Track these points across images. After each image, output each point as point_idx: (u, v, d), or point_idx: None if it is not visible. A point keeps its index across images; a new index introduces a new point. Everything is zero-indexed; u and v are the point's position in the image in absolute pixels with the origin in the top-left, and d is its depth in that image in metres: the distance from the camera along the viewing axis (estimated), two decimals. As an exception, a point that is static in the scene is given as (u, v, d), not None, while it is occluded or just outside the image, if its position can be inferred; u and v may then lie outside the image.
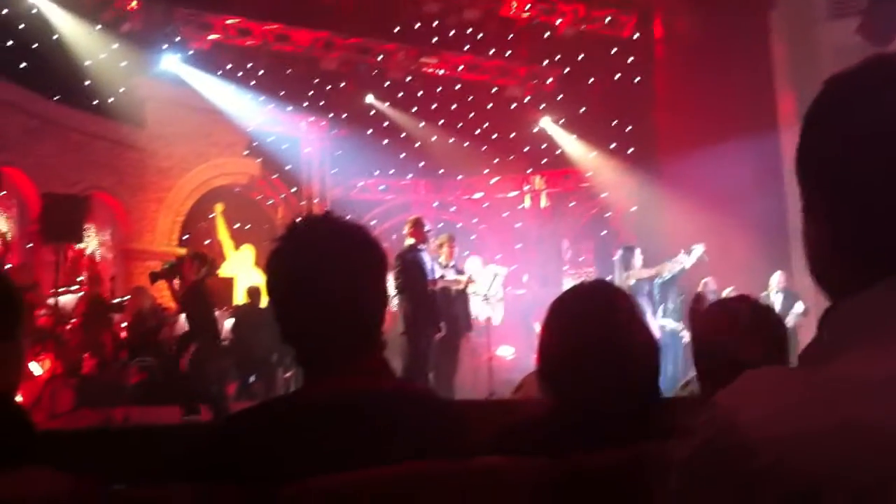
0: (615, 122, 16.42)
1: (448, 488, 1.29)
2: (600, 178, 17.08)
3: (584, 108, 16.90)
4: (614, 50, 16.46)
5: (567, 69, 17.29)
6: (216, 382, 7.88)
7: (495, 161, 17.94)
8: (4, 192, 13.24)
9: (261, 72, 16.38)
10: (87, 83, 14.08)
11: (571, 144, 17.26)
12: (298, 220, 1.65)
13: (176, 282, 7.88)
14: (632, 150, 16.15)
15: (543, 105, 17.60)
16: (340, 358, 1.52)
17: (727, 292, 9.56)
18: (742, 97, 12.32)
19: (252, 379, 10.14)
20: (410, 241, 8.03)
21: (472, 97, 17.70)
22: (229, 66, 16.06)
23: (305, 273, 1.54)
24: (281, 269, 1.58)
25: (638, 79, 16.01)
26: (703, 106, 12.95)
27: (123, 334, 9.43)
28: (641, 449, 1.45)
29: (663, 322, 9.58)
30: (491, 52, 17.32)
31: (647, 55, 15.65)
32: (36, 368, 8.94)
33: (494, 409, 6.45)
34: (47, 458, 1.22)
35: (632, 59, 16.25)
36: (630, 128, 16.20)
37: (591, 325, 1.78)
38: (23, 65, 13.03)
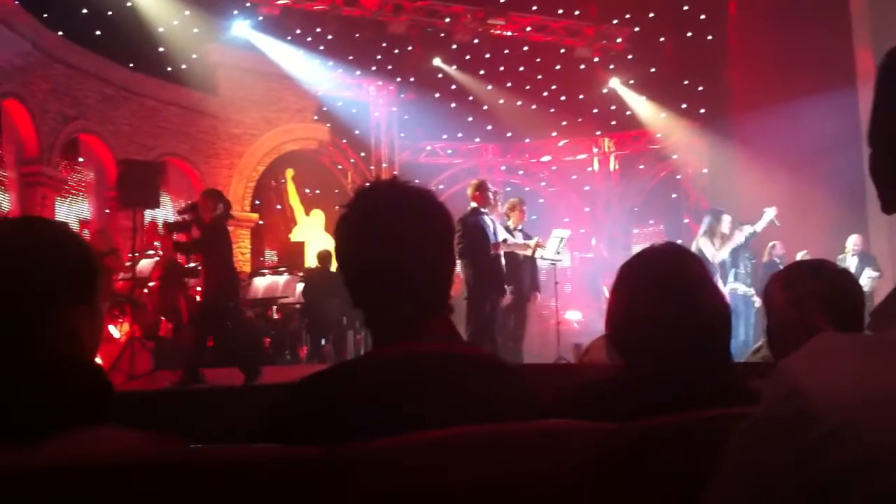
0: (686, 81, 16.09)
1: (514, 451, 1.30)
2: (671, 139, 16.82)
3: (654, 68, 16.59)
4: (686, 7, 16.08)
5: (637, 28, 16.97)
6: (245, 340, 7.79)
7: (563, 123, 17.77)
8: (83, 160, 13.59)
9: (329, 36, 16.42)
10: (160, 50, 14.31)
11: (641, 105, 16.98)
12: (366, 185, 1.66)
13: (194, 231, 7.53)
14: (703, 110, 15.85)
15: (612, 65, 17.33)
16: (408, 321, 1.54)
17: (801, 255, 9.38)
18: (818, 53, 11.90)
19: (323, 342, 10.31)
20: (473, 204, 7.95)
21: (539, 59, 17.50)
22: (298, 31, 16.13)
23: (373, 238, 1.55)
24: (349, 235, 1.60)
25: (710, 36, 15.64)
26: (777, 63, 12.60)
27: (198, 298, 9.62)
28: (711, 414, 1.45)
29: (734, 286, 9.43)
30: (559, 13, 17.07)
31: (719, 11, 15.26)
32: (115, 332, 9.22)
33: (562, 374, 6.44)
34: (126, 418, 1.26)
35: (704, 16, 15.86)
36: (702, 87, 15.87)
37: (662, 289, 1.77)
38: (98, 32, 13.29)
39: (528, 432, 1.35)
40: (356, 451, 1.20)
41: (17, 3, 11.51)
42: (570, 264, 16.64)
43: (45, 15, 12.26)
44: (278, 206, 16.51)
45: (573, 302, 14.25)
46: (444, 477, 1.24)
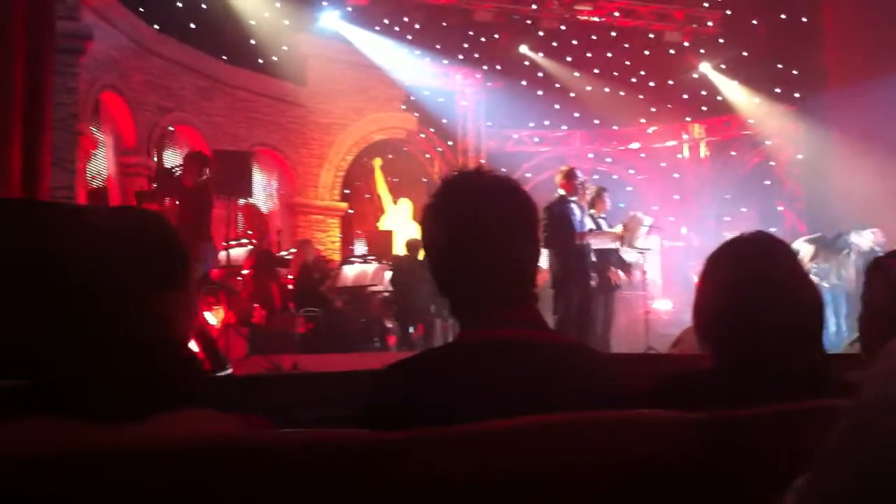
0: (780, 64, 15.65)
1: (598, 439, 1.31)
2: (764, 125, 16.39)
3: (746, 52, 16.18)
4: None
5: (728, 11, 16.56)
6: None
7: (652, 110, 17.49)
8: (179, 151, 13.96)
9: (416, 25, 16.51)
10: (252, 42, 14.60)
11: (733, 90, 16.60)
12: (451, 174, 1.68)
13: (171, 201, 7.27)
14: (798, 94, 15.40)
15: (703, 50, 16.97)
16: (494, 309, 1.55)
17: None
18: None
19: (411, 329, 10.40)
20: (561, 192, 7.86)
21: (627, 44, 17.26)
22: (386, 20, 16.26)
23: (459, 227, 1.57)
24: (434, 224, 1.62)
25: (804, 18, 15.18)
26: (876, 44, 12.15)
27: (290, 286, 9.83)
28: (803, 406, 1.43)
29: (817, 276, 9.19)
30: (648, -3, 16.82)
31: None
32: (211, 318, 9.46)
33: (650, 364, 6.36)
34: (222, 402, 1.31)
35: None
36: (796, 70, 15.41)
37: (752, 279, 1.74)
38: (192, 26, 13.63)
39: (613, 421, 1.35)
40: (441, 437, 1.22)
41: (115, -2, 11.88)
42: (660, 253, 16.41)
43: (141, 9, 12.61)
44: (367, 196, 16.69)
45: (662, 291, 14.07)
46: (527, 464, 1.25)
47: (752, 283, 1.73)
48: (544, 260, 8.02)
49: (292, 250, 11.15)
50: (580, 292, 7.69)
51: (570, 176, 7.89)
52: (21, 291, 1.28)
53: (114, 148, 12.27)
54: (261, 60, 14.89)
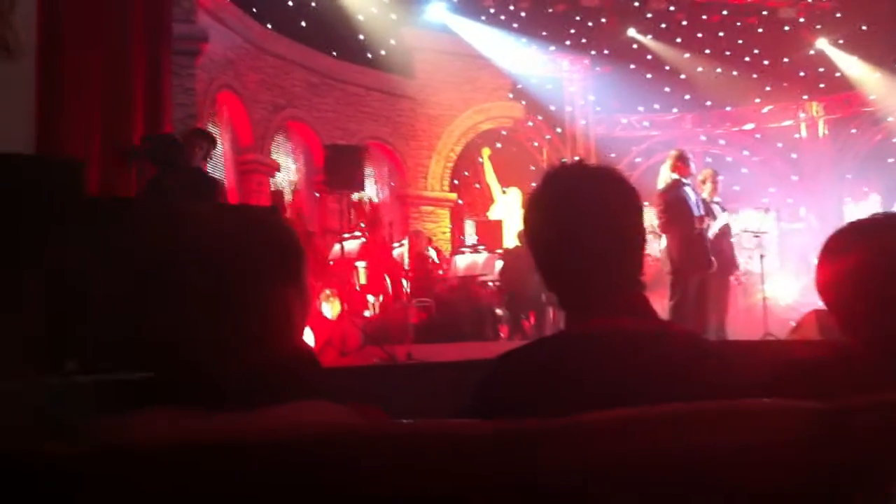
0: (903, 37, 14.98)
1: (714, 429, 1.29)
2: (886, 101, 15.70)
3: (865, 26, 15.52)
4: (902, -42, 14.96)
5: (848, -17, 15.95)
6: None
7: (767, 89, 16.96)
8: (292, 146, 14.29)
9: (522, 13, 16.45)
10: (360, 38, 14.82)
11: (852, 66, 15.96)
12: (552, 167, 1.68)
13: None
14: (923, 67, 14.72)
15: (819, 25, 16.36)
16: (601, 299, 1.55)
17: None
18: None
19: (523, 318, 10.39)
20: (674, 175, 7.67)
21: (739, 23, 16.79)
22: (492, 10, 16.26)
23: (562, 219, 1.58)
24: (537, 217, 1.63)
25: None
26: None
27: (403, 276, 9.94)
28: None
29: None
30: (761, -28, 16.32)
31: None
32: (327, 310, 9.67)
33: (770, 351, 6.19)
34: (337, 391, 1.34)
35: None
36: (921, 43, 14.73)
37: (884, 261, 1.69)
38: (303, 24, 13.93)
39: (730, 410, 1.33)
40: (561, 426, 1.22)
41: (228, -1, 12.23)
42: (777, 235, 15.93)
43: (254, 9, 12.96)
44: (476, 185, 16.74)
45: (781, 275, 13.65)
46: (640, 455, 1.24)
47: (883, 264, 1.67)
48: (654, 246, 7.89)
49: (404, 241, 11.28)
50: (698, 278, 7.52)
51: (681, 158, 7.71)
52: (145, 286, 1.34)
53: (230, 145, 12.65)
54: (369, 55, 15.11)
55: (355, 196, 11.00)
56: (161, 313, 1.30)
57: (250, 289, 1.30)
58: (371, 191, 14.83)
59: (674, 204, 7.43)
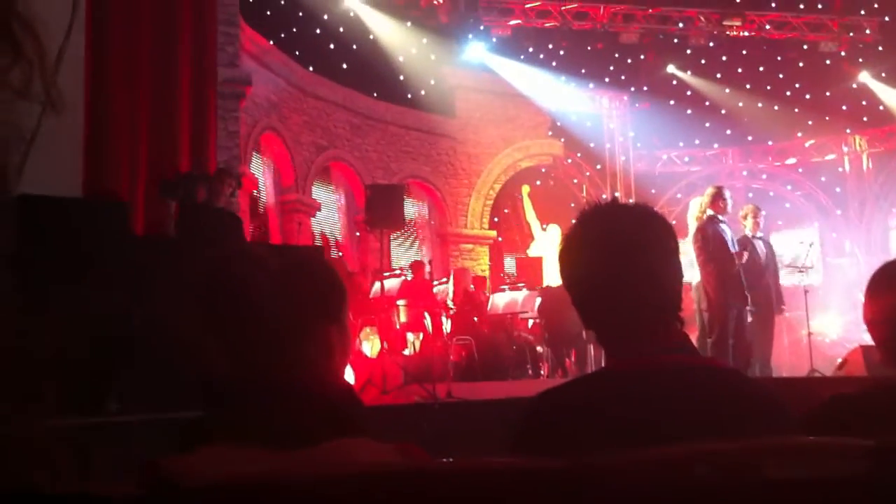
0: (947, 69, 14.83)
1: (760, 467, 1.28)
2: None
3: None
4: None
5: (887, 17, 15.82)
6: None
7: (809, 123, 16.84)
8: (333, 186, 14.44)
9: (561, 52, 16.56)
10: (401, 78, 14.99)
11: (895, 99, 15.80)
12: (587, 207, 1.69)
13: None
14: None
15: (861, 58, 16.25)
16: (641, 336, 1.55)
17: None
18: None
19: (564, 355, 10.34)
20: (710, 212, 7.67)
21: (780, 57, 16.73)
22: (531, 49, 16.39)
23: (598, 257, 1.58)
24: (574, 257, 1.64)
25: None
26: None
27: (444, 314, 9.96)
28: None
29: None
30: (800, 7, 16.25)
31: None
32: (368, 348, 9.69)
33: (815, 388, 6.10)
34: (381, 430, 1.36)
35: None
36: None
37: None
38: (344, 66, 14.14)
39: (775, 448, 1.32)
40: (597, 465, 1.22)
41: (271, 43, 12.45)
42: (822, 270, 15.72)
43: (297, 52, 13.19)
44: (517, 223, 16.76)
45: (826, 311, 13.45)
46: (684, 494, 1.24)
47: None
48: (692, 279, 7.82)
49: (444, 279, 11.31)
50: (737, 314, 7.46)
51: (717, 195, 7.71)
52: (199, 325, 1.37)
53: (273, 185, 12.81)
54: (410, 95, 15.28)
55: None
56: (217, 350, 1.32)
57: (297, 327, 1.32)
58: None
59: (711, 240, 7.41)
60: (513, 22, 15.83)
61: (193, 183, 6.83)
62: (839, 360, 7.38)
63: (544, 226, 15.87)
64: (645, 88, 17.39)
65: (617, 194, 15.80)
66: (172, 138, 8.09)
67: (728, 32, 16.37)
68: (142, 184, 7.67)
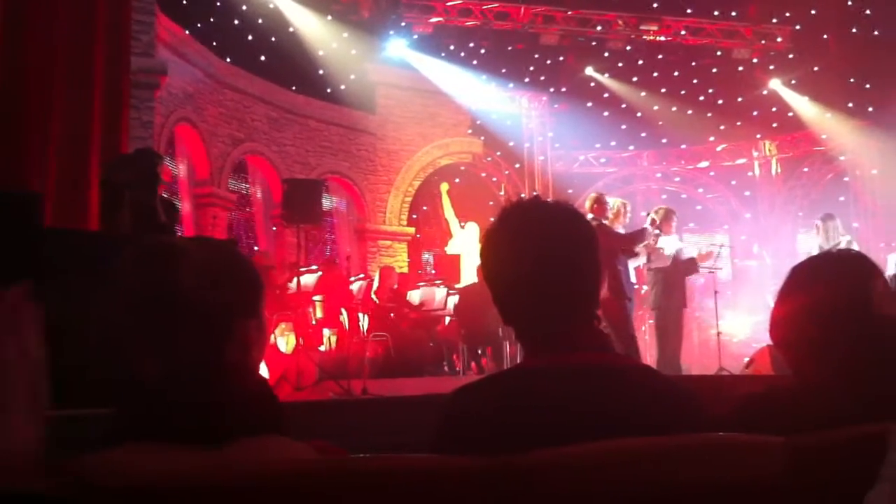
0: (852, 79, 15.35)
1: (672, 464, 1.29)
2: (837, 140, 16.06)
3: (817, 67, 15.90)
4: (850, 2, 15.36)
5: (798, 26, 16.33)
6: None
7: (721, 127, 17.26)
8: (250, 179, 14.25)
9: (482, 51, 16.63)
10: (321, 73, 14.85)
11: (804, 106, 16.32)
12: (510, 204, 1.69)
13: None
14: (872, 108, 15.08)
15: (773, 66, 16.73)
16: (558, 334, 1.55)
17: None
18: None
19: (480, 353, 10.38)
20: (590, 216, 7.86)
21: (695, 62, 17.11)
22: (452, 47, 16.42)
23: (518, 254, 1.58)
24: (495, 253, 1.63)
25: (877, 31, 14.89)
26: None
27: (360, 311, 9.90)
28: (884, 429, 1.39)
29: None
30: (715, 14, 16.65)
31: (888, 4, 14.50)
32: (282, 344, 9.58)
33: (723, 386, 6.25)
34: (293, 426, 1.33)
35: (869, 10, 15.13)
36: (869, 84, 15.10)
37: (843, 297, 1.71)
38: (263, 58, 13.94)
39: (686, 446, 1.34)
40: (512, 463, 1.22)
41: (188, 33, 12.20)
42: (732, 272, 16.14)
43: (215, 43, 12.95)
44: (434, 220, 16.78)
45: (735, 312, 13.81)
46: (598, 492, 1.24)
47: (839, 302, 1.70)
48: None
49: (361, 275, 11.25)
50: (626, 310, 7.68)
51: (598, 201, 7.98)
52: (109, 320, 1.32)
53: (187, 178, 12.57)
54: (329, 90, 15.15)
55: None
56: (128, 346, 1.28)
57: (217, 322, 1.29)
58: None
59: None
60: (434, 19, 15.84)
61: (151, 164, 6.02)
62: (746, 360, 7.59)
63: (463, 223, 15.93)
64: (564, 90, 17.58)
65: (536, 193, 15.94)
66: (84, 127, 7.84)
67: (645, 37, 16.67)
68: (52, 174, 7.42)
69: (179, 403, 1.22)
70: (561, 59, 17.32)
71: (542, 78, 17.48)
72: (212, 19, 13.09)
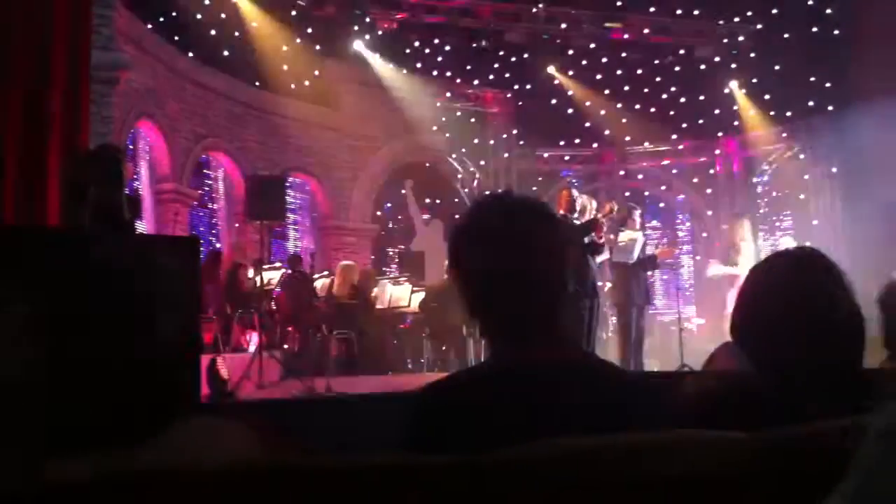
0: (813, 78, 15.55)
1: (635, 461, 1.30)
2: (798, 138, 16.27)
3: (778, 66, 16.08)
4: (811, 1, 15.56)
5: (760, 25, 16.50)
6: None
7: (684, 126, 17.40)
8: (212, 176, 14.12)
9: (447, 48, 16.61)
10: (284, 68, 14.75)
11: (766, 104, 16.50)
12: (480, 198, 1.69)
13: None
14: (832, 107, 15.29)
15: (735, 65, 16.89)
16: (526, 330, 1.56)
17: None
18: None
19: (444, 349, 10.40)
20: (560, 212, 7.89)
21: (658, 61, 17.22)
22: (417, 43, 16.38)
23: (489, 250, 1.58)
24: (465, 247, 1.63)
25: (837, 31, 15.09)
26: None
27: (324, 308, 9.86)
28: (845, 423, 1.41)
29: None
30: (678, 13, 16.77)
31: (847, 3, 14.70)
32: (245, 342, 9.52)
33: (685, 382, 6.30)
34: (256, 424, 1.31)
35: (830, 10, 15.33)
36: (829, 83, 15.30)
37: (794, 295, 1.73)
38: (225, 53, 13.81)
39: (651, 442, 1.34)
40: (480, 460, 1.21)
41: (149, 27, 12.06)
42: (693, 269, 16.31)
43: (177, 38, 12.82)
44: (399, 217, 16.75)
45: (696, 308, 13.96)
46: (563, 487, 1.24)
47: (794, 298, 1.72)
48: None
49: (325, 272, 11.20)
50: (585, 309, 7.69)
51: (567, 197, 8.01)
52: (57, 315, 1.29)
53: (148, 175, 12.43)
54: (293, 86, 15.04)
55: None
56: (72, 345, 1.26)
57: (146, 319, 1.27)
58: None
59: None
60: (399, 16, 15.80)
61: (115, 161, 5.81)
62: (708, 356, 7.65)
63: (427, 220, 15.94)
64: (528, 87, 17.61)
65: (506, 189, 15.97)
66: (43, 123, 7.73)
67: (609, 35, 16.75)
68: (10, 171, 7.29)
69: (101, 400, 1.21)
70: (526, 56, 17.34)
71: (507, 75, 17.50)
72: (174, 14, 12.93)
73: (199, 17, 13.41)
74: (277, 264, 10.67)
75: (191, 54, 13.18)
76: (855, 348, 1.74)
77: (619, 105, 17.38)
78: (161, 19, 12.52)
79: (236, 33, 13.94)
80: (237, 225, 13.78)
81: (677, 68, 17.20)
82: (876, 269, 11.47)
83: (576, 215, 7.96)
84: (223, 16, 13.90)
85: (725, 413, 1.63)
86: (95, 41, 9.01)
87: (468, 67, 16.86)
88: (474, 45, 16.54)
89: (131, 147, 11.90)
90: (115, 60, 9.92)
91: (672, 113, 17.13)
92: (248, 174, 11.45)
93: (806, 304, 1.71)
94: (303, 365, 8.22)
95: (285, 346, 9.94)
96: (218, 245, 13.51)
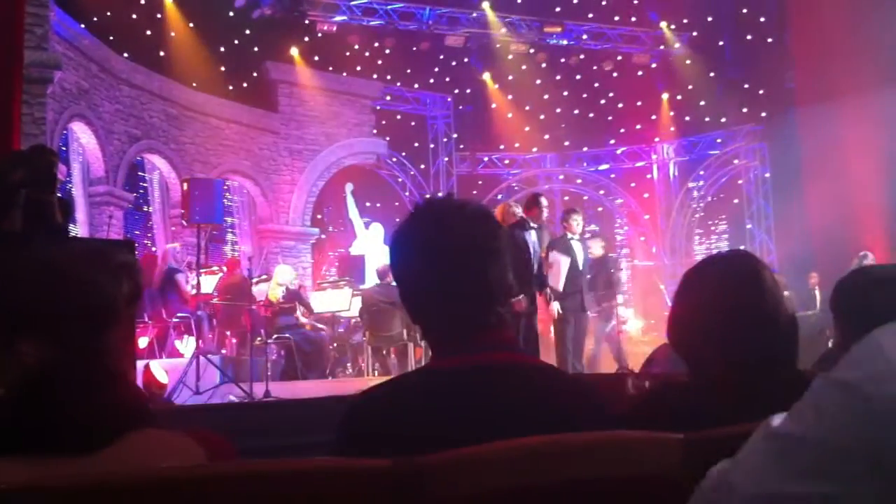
0: (746, 85, 15.89)
1: (575, 461, 1.30)
2: (732, 144, 16.61)
3: (713, 73, 16.42)
4: (745, 10, 15.91)
5: (695, 32, 16.82)
6: None
7: (621, 131, 17.66)
8: (148, 178, 13.89)
9: (387, 51, 16.61)
10: (221, 70, 14.59)
11: (700, 111, 16.81)
12: (420, 202, 1.69)
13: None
14: (764, 113, 15.64)
15: (671, 71, 17.18)
16: (465, 334, 1.55)
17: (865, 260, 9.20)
18: (892, 39, 11.19)
19: (385, 354, 10.36)
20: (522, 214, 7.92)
21: (596, 66, 17.45)
22: (356, 46, 16.34)
23: (430, 254, 1.58)
24: (405, 251, 1.63)
25: (770, 39, 15.45)
26: (845, 61, 12.18)
27: (263, 312, 9.77)
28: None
29: None
30: (615, 20, 17.01)
31: (780, 12, 15.05)
32: (181, 347, 9.38)
33: (624, 383, 6.37)
34: (194, 430, 1.29)
35: (763, 18, 15.68)
36: (762, 90, 15.66)
37: (728, 298, 1.75)
38: (161, 54, 13.61)
39: (589, 443, 1.34)
40: (418, 464, 1.21)
41: (83, 27, 11.83)
42: (631, 273, 16.53)
43: (111, 37, 12.59)
44: (339, 220, 16.67)
45: (634, 310, 14.13)
46: (501, 490, 1.24)
47: (727, 301, 1.75)
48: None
49: (263, 276, 11.09)
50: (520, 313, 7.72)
51: (532, 202, 8.04)
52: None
53: (81, 177, 12.18)
54: (231, 87, 14.89)
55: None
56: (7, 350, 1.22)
57: (82, 329, 1.24)
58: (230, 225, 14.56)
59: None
60: (338, 18, 15.75)
61: (47, 163, 5.52)
62: (646, 358, 7.74)
63: (367, 223, 15.87)
64: (468, 91, 17.71)
65: (448, 192, 15.99)
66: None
67: (548, 40, 16.92)
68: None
69: (43, 413, 1.17)
70: (466, 60, 17.43)
71: (447, 79, 17.57)
72: (108, 13, 12.72)
73: (134, 16, 13.21)
74: (215, 268, 10.53)
75: (126, 55, 12.95)
76: (789, 349, 1.77)
77: (558, 110, 17.55)
78: (95, 19, 12.30)
79: (173, 33, 13.75)
80: (173, 228, 13.57)
81: (615, 74, 17.43)
82: (807, 270, 11.80)
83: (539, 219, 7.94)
84: (159, 15, 13.70)
85: (662, 413, 1.64)
86: (28, 40, 8.81)
87: (408, 71, 16.90)
88: (414, 48, 16.56)
89: (64, 148, 11.65)
90: (49, 60, 9.71)
91: (610, 118, 17.38)
92: (185, 177, 11.28)
93: (738, 307, 1.73)
94: (240, 370, 8.13)
95: (223, 351, 9.82)
96: (153, 248, 13.28)
